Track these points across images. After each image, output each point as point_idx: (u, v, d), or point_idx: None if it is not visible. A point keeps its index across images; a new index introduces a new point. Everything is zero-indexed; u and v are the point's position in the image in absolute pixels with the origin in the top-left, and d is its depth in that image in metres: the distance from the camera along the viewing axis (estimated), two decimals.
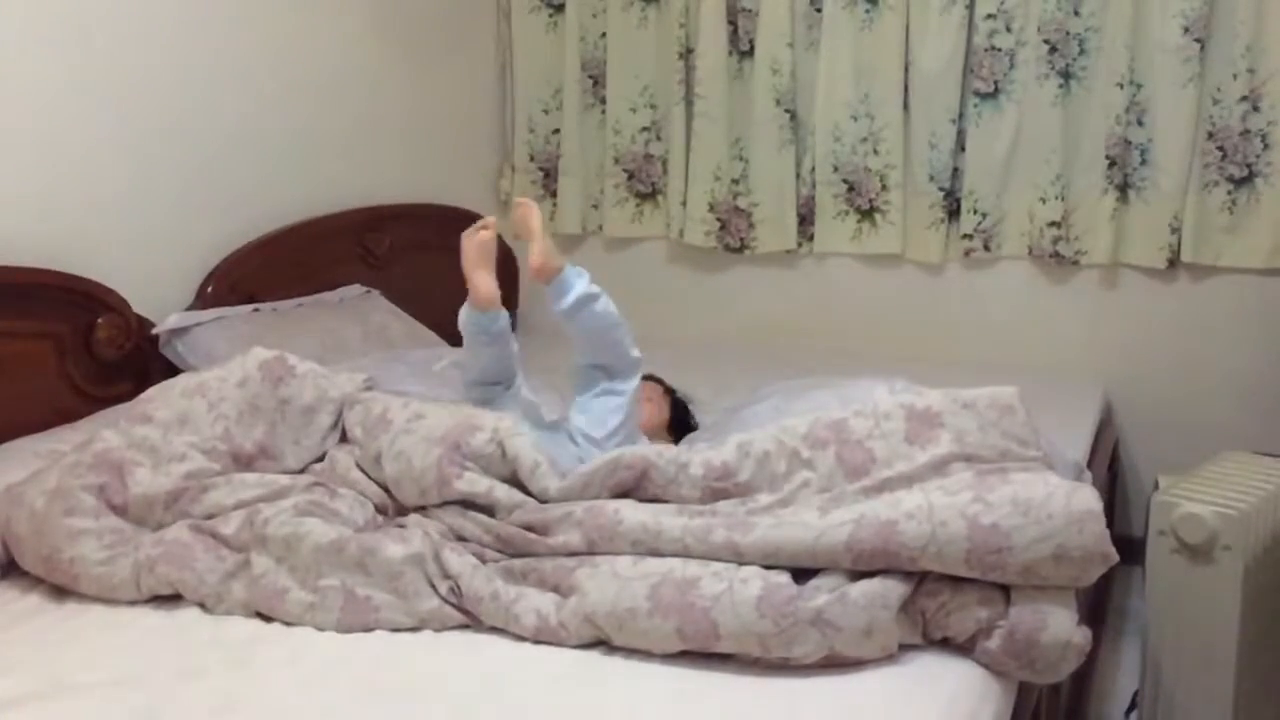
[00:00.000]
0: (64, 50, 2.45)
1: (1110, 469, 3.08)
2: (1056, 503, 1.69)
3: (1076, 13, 3.20)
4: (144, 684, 1.61)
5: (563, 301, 2.15)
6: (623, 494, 1.92)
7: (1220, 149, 3.13)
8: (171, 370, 2.53)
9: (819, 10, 3.44)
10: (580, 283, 2.16)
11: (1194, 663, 2.17)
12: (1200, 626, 2.16)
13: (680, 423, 2.60)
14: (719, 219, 3.62)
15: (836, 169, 3.50)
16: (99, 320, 2.47)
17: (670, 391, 2.64)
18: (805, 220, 3.58)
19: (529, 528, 1.88)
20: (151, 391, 2.18)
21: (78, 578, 1.85)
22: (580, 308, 2.15)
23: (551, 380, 2.63)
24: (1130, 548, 2.41)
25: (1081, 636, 1.70)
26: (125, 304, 2.53)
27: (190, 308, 2.73)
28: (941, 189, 3.39)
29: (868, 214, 3.51)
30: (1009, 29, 3.27)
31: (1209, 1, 3.04)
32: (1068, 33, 3.21)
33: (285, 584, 1.82)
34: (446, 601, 1.80)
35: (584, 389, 2.24)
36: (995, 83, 3.30)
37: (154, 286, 2.65)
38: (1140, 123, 3.19)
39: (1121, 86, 3.15)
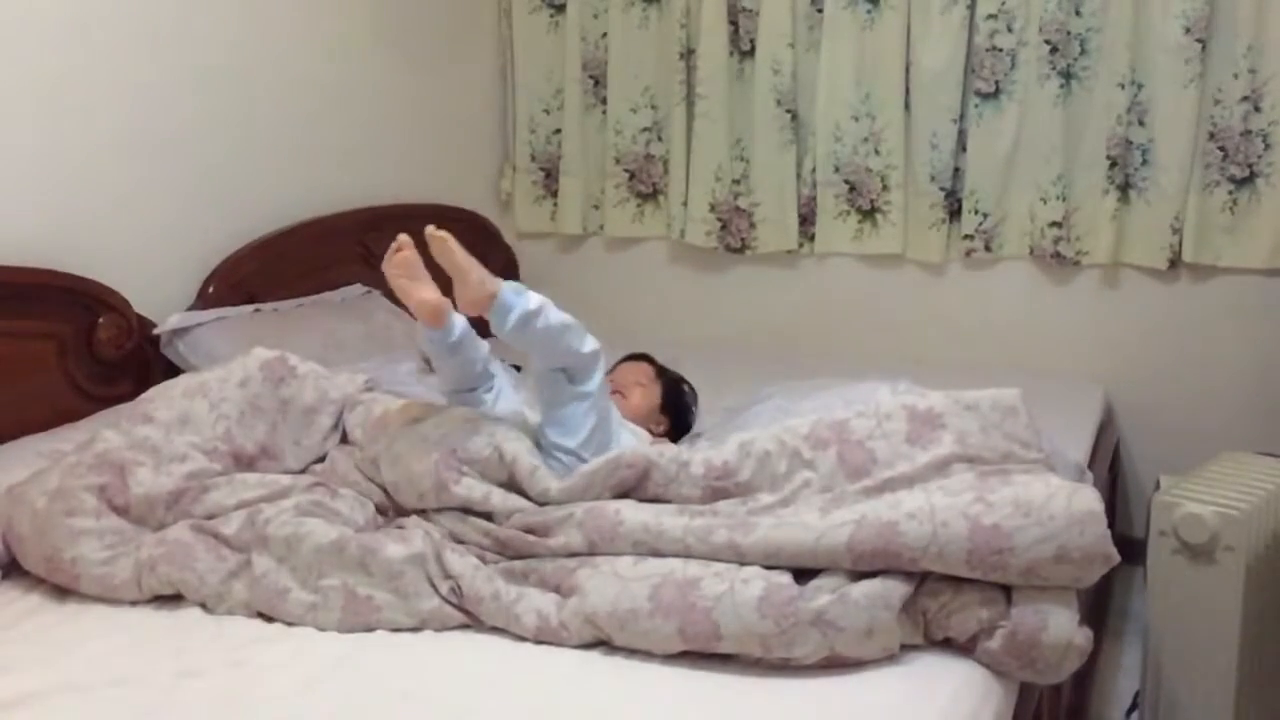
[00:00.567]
0: (66, 51, 2.45)
1: (1111, 469, 3.08)
2: (1058, 503, 1.69)
3: (1078, 13, 3.20)
4: (144, 684, 1.61)
5: (504, 326, 1.98)
6: (624, 493, 1.92)
7: (1221, 149, 3.13)
8: (173, 370, 2.54)
9: (820, 10, 3.44)
10: (520, 301, 1.98)
11: (1195, 663, 2.17)
12: (1201, 627, 2.16)
13: (675, 404, 2.54)
14: (720, 219, 3.62)
15: (837, 169, 3.50)
16: (100, 320, 2.48)
17: (661, 371, 2.59)
18: (806, 220, 3.58)
19: (529, 530, 1.88)
20: (152, 392, 2.18)
21: (79, 578, 1.85)
22: (524, 327, 1.98)
23: None
24: (1131, 548, 2.42)
25: (1083, 637, 1.70)
26: (126, 304, 2.53)
27: (191, 308, 2.73)
28: (942, 189, 3.39)
29: (869, 214, 3.51)
30: (1010, 29, 3.27)
31: (1210, 1, 3.04)
32: (1069, 33, 3.21)
33: (286, 584, 1.82)
34: (447, 601, 1.80)
35: (551, 402, 2.09)
36: (996, 83, 3.30)
37: (155, 287, 2.65)
38: (1141, 123, 3.19)
39: (1123, 87, 3.15)
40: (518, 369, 2.93)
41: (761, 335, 3.68)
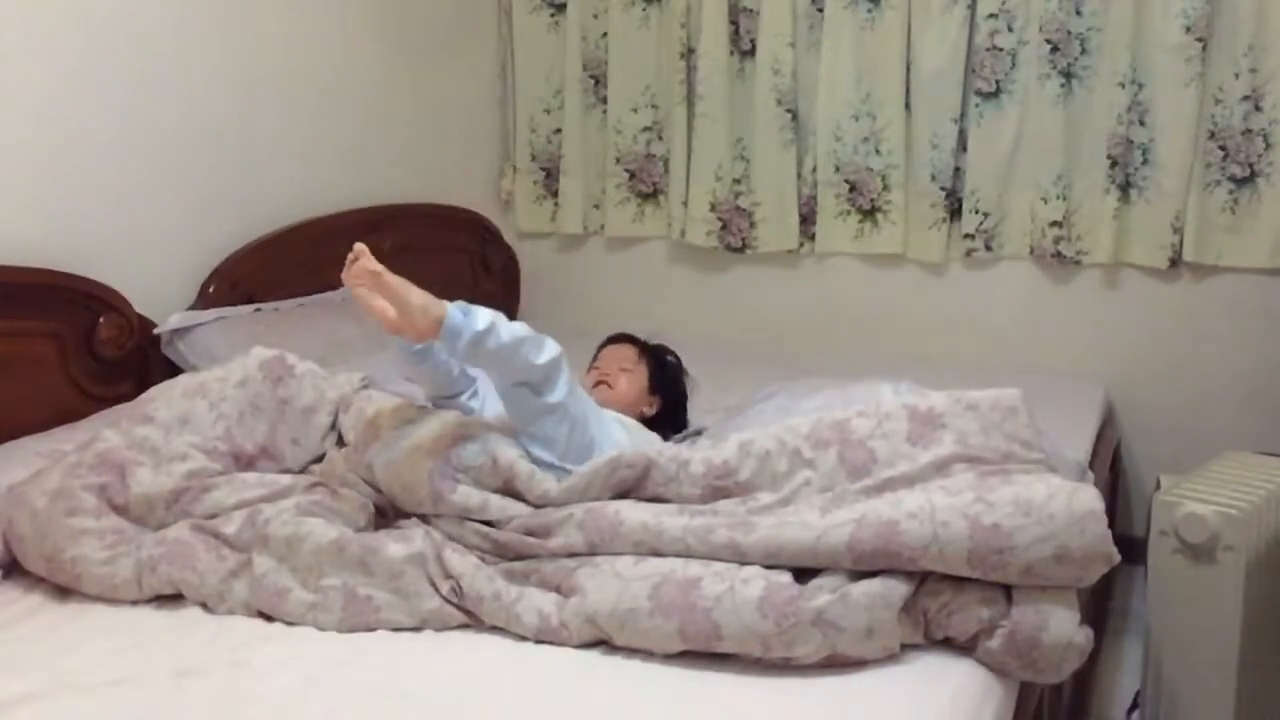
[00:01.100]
0: (66, 51, 2.45)
1: (1112, 469, 3.08)
2: (1058, 503, 1.69)
3: (1078, 12, 3.20)
4: (145, 684, 1.61)
5: (455, 350, 1.93)
6: (624, 493, 1.92)
7: (1222, 148, 3.13)
8: (173, 370, 2.54)
9: (820, 10, 3.44)
10: (469, 323, 1.89)
11: (1196, 663, 2.17)
12: (1202, 626, 2.16)
13: (664, 380, 2.50)
14: (720, 219, 3.62)
15: (838, 169, 3.50)
16: (101, 320, 2.48)
17: (644, 349, 2.54)
18: (807, 220, 3.58)
19: (529, 532, 1.88)
20: (153, 391, 2.18)
21: (80, 577, 1.85)
22: (476, 348, 1.90)
23: None
24: (1132, 548, 2.42)
25: (1083, 636, 1.70)
26: (127, 304, 2.53)
27: (192, 308, 2.73)
28: (943, 189, 3.39)
29: (869, 214, 3.51)
30: (1010, 28, 3.27)
31: (1211, 1, 3.04)
32: (1069, 32, 3.21)
33: (287, 584, 1.82)
34: (448, 601, 1.80)
35: (521, 419, 2.01)
36: (997, 82, 3.30)
37: (155, 286, 2.65)
38: (1142, 122, 3.19)
39: (1123, 86, 3.15)
40: None
41: (762, 335, 3.68)
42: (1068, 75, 3.23)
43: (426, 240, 3.49)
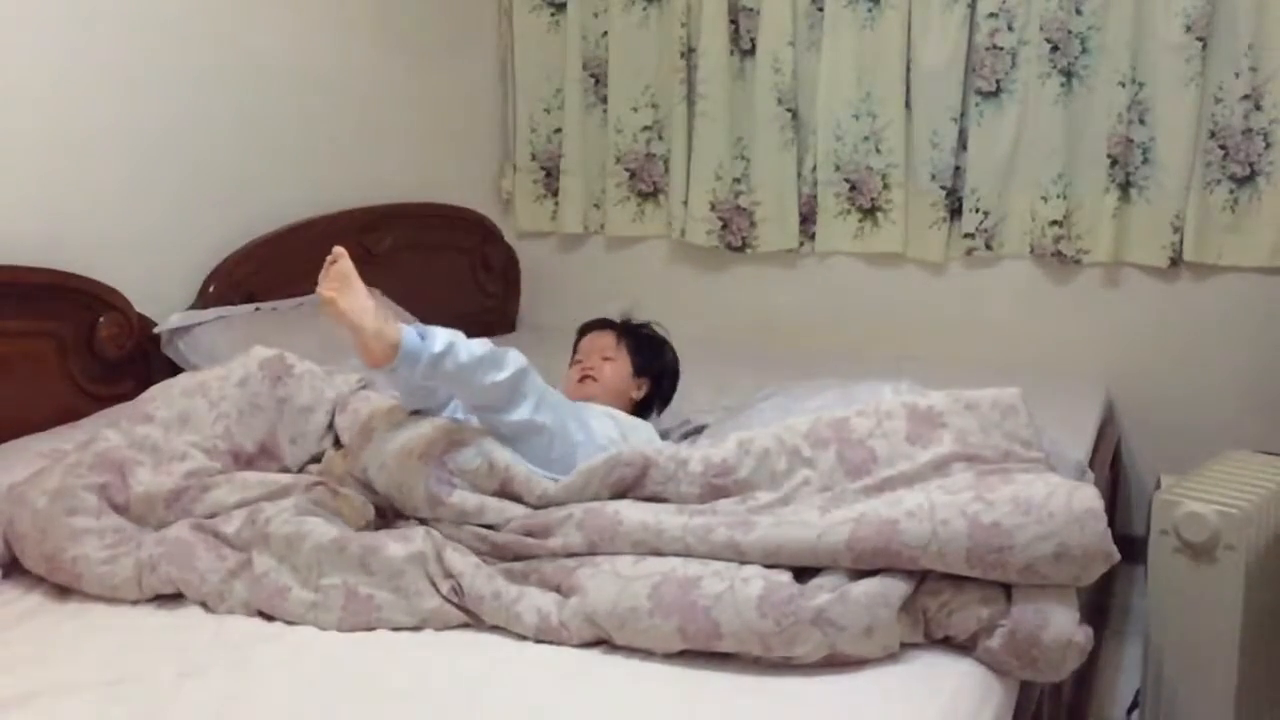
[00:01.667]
0: (65, 50, 2.45)
1: (1112, 468, 3.08)
2: (1058, 501, 1.69)
3: (1078, 11, 3.20)
4: (145, 683, 1.61)
5: (414, 376, 1.89)
6: (622, 491, 1.92)
7: (1222, 148, 3.13)
8: (173, 369, 2.54)
9: (820, 9, 3.44)
10: (425, 346, 1.86)
11: (1196, 662, 2.17)
12: (1202, 625, 2.16)
13: (649, 361, 2.48)
14: (720, 218, 3.62)
15: (838, 168, 3.50)
16: (101, 319, 2.48)
17: (623, 332, 2.51)
18: (807, 219, 3.58)
19: (528, 533, 1.88)
20: (153, 390, 2.18)
21: (80, 577, 1.85)
22: (434, 371, 1.87)
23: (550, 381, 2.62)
24: (1132, 547, 2.41)
25: (1083, 635, 1.69)
26: (127, 303, 2.54)
27: (192, 307, 2.73)
28: (943, 188, 3.39)
29: (869, 213, 3.51)
30: (1011, 28, 3.27)
31: (1211, 0, 3.04)
32: (1069, 31, 3.20)
33: (287, 583, 1.82)
34: (448, 601, 1.80)
35: (498, 437, 1.97)
36: (997, 81, 3.30)
37: (156, 286, 2.65)
38: (1142, 121, 3.19)
39: (1123, 85, 3.15)
40: None
41: (762, 334, 3.67)
42: (1068, 74, 3.23)
43: (426, 240, 3.49)
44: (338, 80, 3.21)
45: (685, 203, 3.65)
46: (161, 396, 2.14)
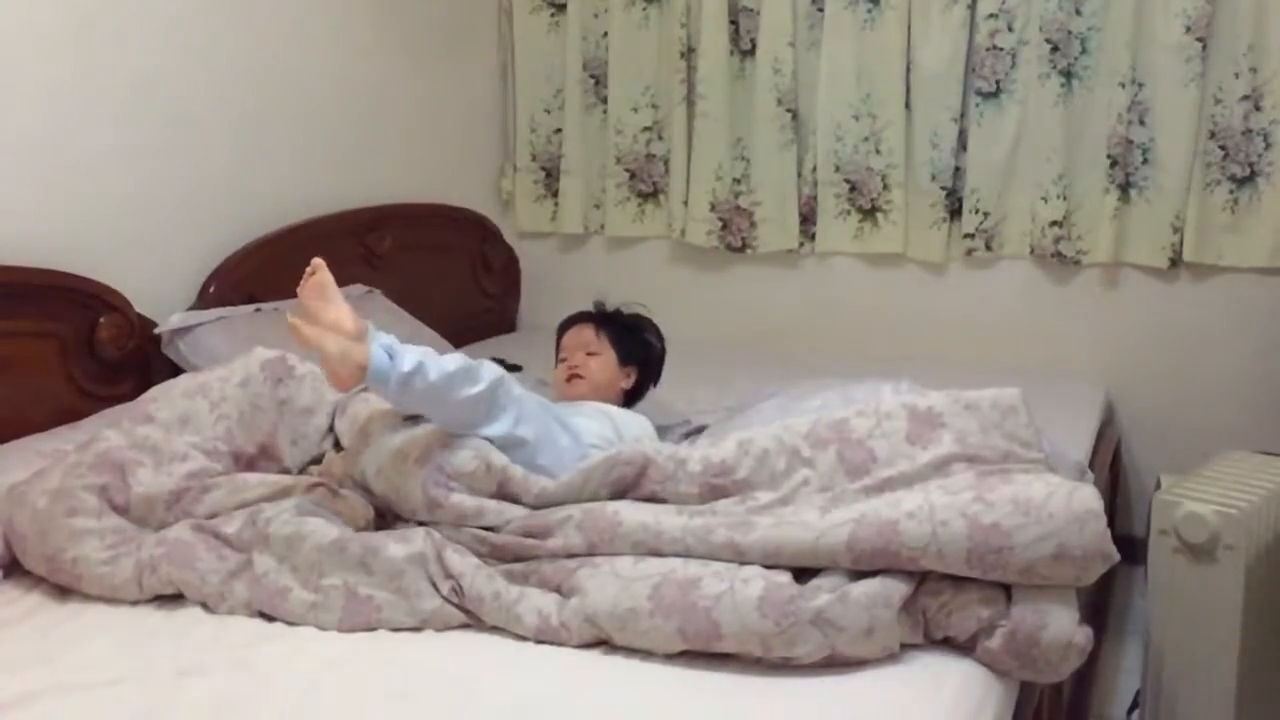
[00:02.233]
0: (67, 51, 2.45)
1: (1112, 468, 3.08)
2: (1057, 502, 1.69)
3: (1078, 12, 3.20)
4: (145, 684, 1.61)
5: (384, 395, 1.87)
6: (621, 490, 1.92)
7: (1222, 148, 3.13)
8: (174, 370, 2.54)
9: (820, 10, 3.45)
10: (395, 365, 1.81)
11: (1196, 662, 2.17)
12: (1202, 626, 2.16)
13: (634, 350, 2.46)
14: (720, 218, 3.62)
15: (838, 168, 3.50)
16: (101, 320, 2.48)
17: (603, 323, 2.48)
18: (807, 220, 3.58)
19: (528, 534, 1.88)
20: (153, 391, 2.18)
21: (80, 577, 1.85)
22: (405, 389, 1.83)
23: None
24: (1132, 547, 2.42)
25: (1083, 636, 1.69)
26: (127, 304, 2.54)
27: (192, 307, 2.73)
28: (943, 188, 3.39)
29: (869, 213, 3.51)
30: (1011, 28, 3.27)
31: (1211, 1, 3.04)
32: (1069, 32, 3.21)
33: (287, 583, 1.82)
34: (448, 601, 1.79)
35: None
36: (997, 82, 3.30)
37: (156, 286, 2.66)
38: (1142, 122, 3.19)
39: (1123, 86, 3.15)
40: (517, 369, 2.92)
41: (762, 334, 3.68)
42: (1068, 75, 3.23)
43: (426, 240, 3.50)
44: (338, 80, 3.21)
45: (685, 203, 3.66)
46: (162, 397, 2.14)
